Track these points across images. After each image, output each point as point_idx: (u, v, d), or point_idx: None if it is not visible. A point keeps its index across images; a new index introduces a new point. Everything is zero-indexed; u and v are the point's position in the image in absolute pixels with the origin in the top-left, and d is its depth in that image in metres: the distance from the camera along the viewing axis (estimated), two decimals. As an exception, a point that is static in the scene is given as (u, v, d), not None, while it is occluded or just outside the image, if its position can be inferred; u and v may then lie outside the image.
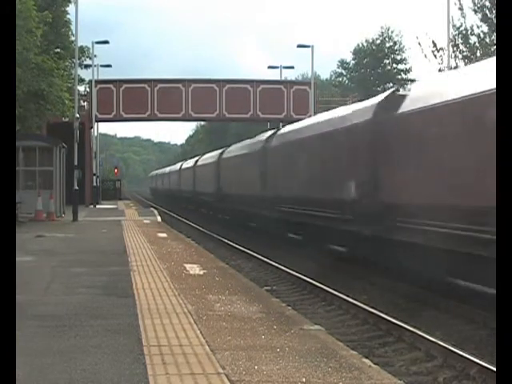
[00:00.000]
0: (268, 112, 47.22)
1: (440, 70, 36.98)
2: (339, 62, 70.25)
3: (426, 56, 39.72)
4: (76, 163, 31.98)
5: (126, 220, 28.96)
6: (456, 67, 34.42)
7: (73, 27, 34.31)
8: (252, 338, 7.17)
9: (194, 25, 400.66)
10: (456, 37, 37.90)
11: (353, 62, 68.48)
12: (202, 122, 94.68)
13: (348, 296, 12.69)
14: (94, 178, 45.66)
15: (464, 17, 38.08)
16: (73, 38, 34.76)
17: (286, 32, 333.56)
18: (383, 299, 12.81)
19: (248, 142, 32.43)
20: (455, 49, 37.87)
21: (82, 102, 45.11)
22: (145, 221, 28.85)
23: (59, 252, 15.89)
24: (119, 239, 19.18)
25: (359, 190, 15.77)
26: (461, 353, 8.44)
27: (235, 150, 34.37)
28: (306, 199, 19.91)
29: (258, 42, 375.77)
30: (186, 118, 49.46)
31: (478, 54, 36.12)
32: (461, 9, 37.84)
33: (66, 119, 33.62)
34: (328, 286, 13.77)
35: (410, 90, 14.97)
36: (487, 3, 36.81)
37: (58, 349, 6.60)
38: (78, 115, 32.25)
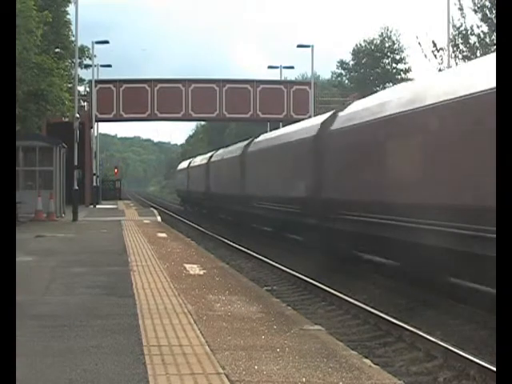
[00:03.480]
0: (268, 112, 47.21)
1: (440, 70, 37.00)
2: (338, 62, 70.32)
3: (426, 56, 39.87)
4: (76, 163, 31.97)
5: (125, 220, 28.95)
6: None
7: (73, 27, 34.35)
8: (252, 337, 7.16)
9: (194, 25, 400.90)
10: (456, 37, 37.93)
11: (352, 62, 68.47)
12: (202, 122, 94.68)
13: (348, 296, 12.69)
14: (94, 177, 45.64)
15: (464, 17, 38.16)
16: (73, 38, 34.77)
17: (286, 32, 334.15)
18: (383, 299, 12.81)
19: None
20: (455, 49, 37.91)
21: (82, 101, 45.12)
22: (145, 221, 28.85)
23: (59, 252, 15.88)
24: (119, 239, 19.17)
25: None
26: (461, 353, 8.44)
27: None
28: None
29: (258, 42, 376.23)
30: (186, 118, 49.45)
31: (478, 54, 36.11)
32: (461, 9, 37.92)
33: (66, 119, 33.63)
34: (328, 286, 13.77)
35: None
36: (487, 3, 36.84)
37: (58, 349, 6.60)
38: (78, 115, 32.24)
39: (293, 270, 16.14)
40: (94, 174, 46.00)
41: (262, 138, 30.27)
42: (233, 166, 32.81)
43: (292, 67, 54.22)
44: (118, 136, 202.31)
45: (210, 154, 43.22)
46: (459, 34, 38.09)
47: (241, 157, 30.97)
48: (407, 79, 61.40)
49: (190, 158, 60.28)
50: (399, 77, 64.45)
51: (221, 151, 39.66)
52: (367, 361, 6.69)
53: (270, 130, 41.10)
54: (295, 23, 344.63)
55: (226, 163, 35.28)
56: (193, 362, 6.12)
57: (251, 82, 48.24)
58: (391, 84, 57.51)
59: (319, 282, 14.28)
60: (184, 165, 59.51)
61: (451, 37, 36.44)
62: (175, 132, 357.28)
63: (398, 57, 66.53)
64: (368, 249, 16.59)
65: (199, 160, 47.95)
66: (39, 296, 9.79)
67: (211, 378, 5.61)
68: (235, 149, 34.19)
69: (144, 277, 11.55)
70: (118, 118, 47.72)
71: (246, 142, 31.91)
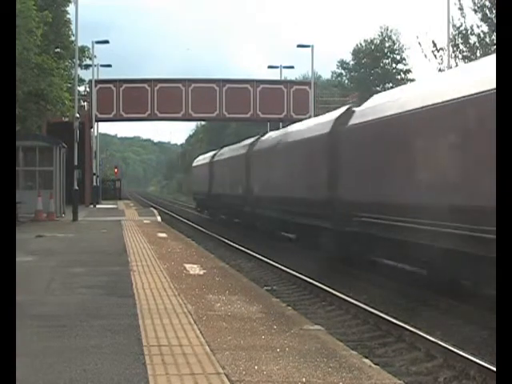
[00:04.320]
0: (268, 112, 47.19)
1: (440, 70, 37.01)
2: (339, 62, 70.28)
3: (426, 56, 39.91)
4: (76, 163, 31.97)
5: (125, 220, 28.93)
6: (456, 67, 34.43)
7: (73, 27, 34.34)
8: (252, 337, 7.16)
9: (194, 25, 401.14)
10: (456, 37, 37.95)
11: (352, 62, 68.44)
12: (202, 122, 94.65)
13: (348, 296, 12.69)
14: (94, 177, 45.64)
15: (464, 17, 38.22)
16: (73, 38, 34.75)
17: (286, 32, 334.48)
18: (383, 299, 12.81)
19: None
20: (455, 49, 37.93)
21: (82, 101, 45.11)
22: (145, 221, 28.84)
23: (59, 252, 15.88)
24: (119, 239, 19.17)
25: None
26: (461, 353, 8.44)
27: None
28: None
29: (257, 42, 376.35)
30: (186, 118, 49.42)
31: (478, 54, 36.12)
32: (461, 9, 37.97)
33: (66, 119, 33.62)
34: (328, 286, 13.77)
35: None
36: (487, 3, 36.86)
37: (58, 349, 6.60)
38: (78, 115, 32.24)
39: (293, 270, 16.15)
40: (94, 174, 45.99)
41: (368, 104, 16.71)
42: (305, 153, 20.33)
43: (292, 67, 54.40)
44: (118, 136, 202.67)
45: (249, 142, 30.76)
46: (459, 33, 38.11)
47: (331, 136, 18.08)
48: (407, 79, 61.40)
49: (212, 150, 45.67)
50: (399, 77, 64.41)
51: (270, 135, 28.28)
52: (367, 361, 6.69)
53: (270, 130, 40.93)
54: (295, 23, 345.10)
55: (287, 151, 22.65)
56: (193, 362, 6.12)
57: (251, 82, 48.22)
58: (391, 84, 57.50)
59: (319, 282, 14.28)
60: (204, 159, 45.03)
61: (451, 37, 36.45)
62: (175, 132, 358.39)
63: (398, 57, 66.42)
64: None
65: (230, 151, 35.43)
66: (39, 296, 9.79)
67: (211, 378, 5.60)
68: (312, 126, 21.17)
69: (144, 277, 11.54)
70: (118, 118, 47.72)
71: (337, 113, 18.61)
